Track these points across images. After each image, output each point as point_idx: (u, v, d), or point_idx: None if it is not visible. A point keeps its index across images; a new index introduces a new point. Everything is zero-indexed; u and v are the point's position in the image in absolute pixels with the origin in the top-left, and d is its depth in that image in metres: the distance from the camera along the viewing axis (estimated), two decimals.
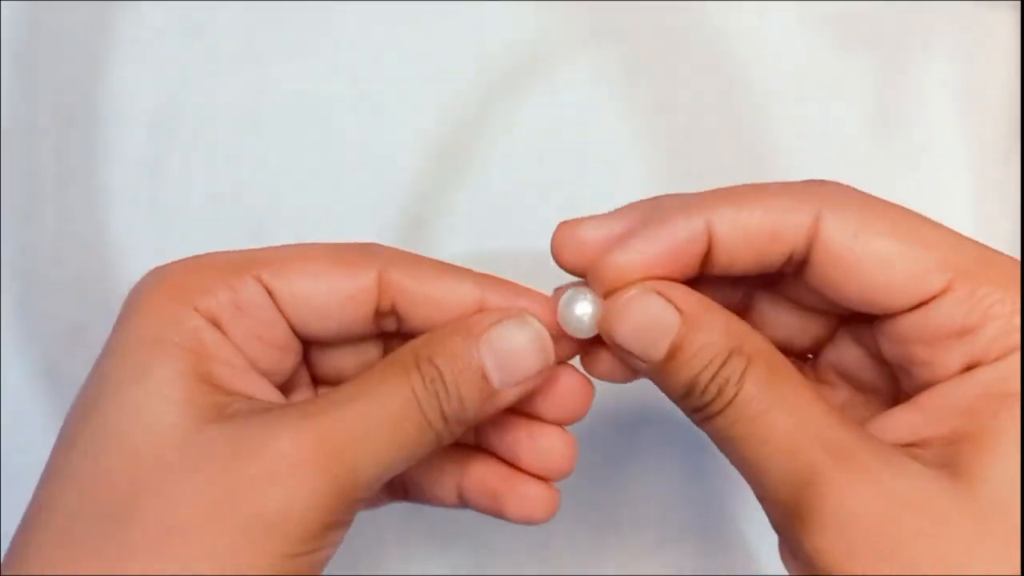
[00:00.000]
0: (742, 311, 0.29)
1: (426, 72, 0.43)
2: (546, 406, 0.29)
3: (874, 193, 0.43)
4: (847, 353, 0.28)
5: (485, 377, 0.26)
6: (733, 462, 0.25)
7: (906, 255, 0.24)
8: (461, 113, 0.43)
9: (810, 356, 0.30)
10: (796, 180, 0.27)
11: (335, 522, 0.25)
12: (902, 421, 0.25)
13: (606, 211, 0.28)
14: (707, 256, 0.26)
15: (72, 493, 0.24)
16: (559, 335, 0.28)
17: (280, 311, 0.27)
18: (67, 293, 0.42)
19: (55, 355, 0.42)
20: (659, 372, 0.26)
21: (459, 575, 0.43)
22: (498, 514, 0.30)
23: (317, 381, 0.31)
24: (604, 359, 0.28)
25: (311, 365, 0.30)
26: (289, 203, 0.42)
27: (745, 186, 0.26)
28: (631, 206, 0.28)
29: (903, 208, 0.25)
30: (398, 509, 0.33)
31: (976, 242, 0.25)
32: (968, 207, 0.43)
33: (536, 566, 0.42)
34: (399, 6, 0.43)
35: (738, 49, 0.43)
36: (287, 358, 0.28)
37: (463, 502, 0.30)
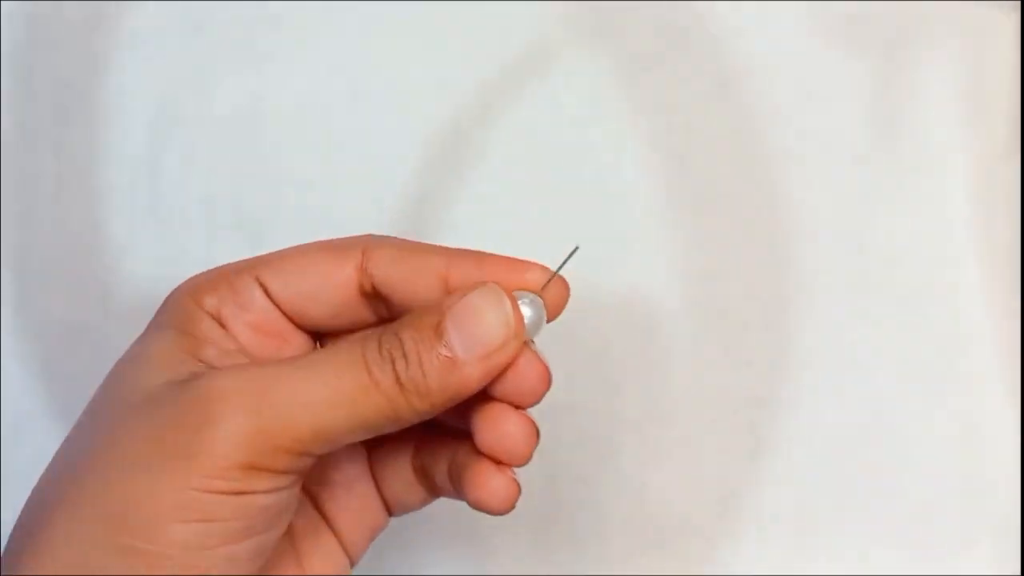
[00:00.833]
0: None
1: (425, 72, 0.43)
2: (505, 387, 0.29)
3: (874, 193, 0.43)
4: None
5: (447, 344, 0.26)
6: None
7: None
8: (460, 113, 0.43)
9: None
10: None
11: (257, 465, 0.25)
12: None
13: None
14: None
15: (67, 439, 0.28)
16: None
17: (274, 303, 0.29)
18: (67, 293, 0.42)
19: (54, 355, 0.42)
20: None
21: (459, 575, 0.43)
22: (465, 499, 0.30)
23: None
24: None
25: None
26: (288, 203, 0.42)
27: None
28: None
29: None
30: None
31: None
32: (968, 207, 0.43)
33: (536, 566, 0.42)
34: (399, 6, 0.43)
35: (738, 49, 0.43)
36: (288, 349, 0.30)
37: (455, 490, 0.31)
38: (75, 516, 0.25)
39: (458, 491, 0.30)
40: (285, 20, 0.43)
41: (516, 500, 0.29)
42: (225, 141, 0.42)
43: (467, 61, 0.43)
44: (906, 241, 0.43)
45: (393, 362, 0.26)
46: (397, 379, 0.26)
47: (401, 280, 0.29)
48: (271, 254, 0.30)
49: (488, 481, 0.29)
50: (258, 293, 0.29)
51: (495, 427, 0.29)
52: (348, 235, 0.30)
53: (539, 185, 0.43)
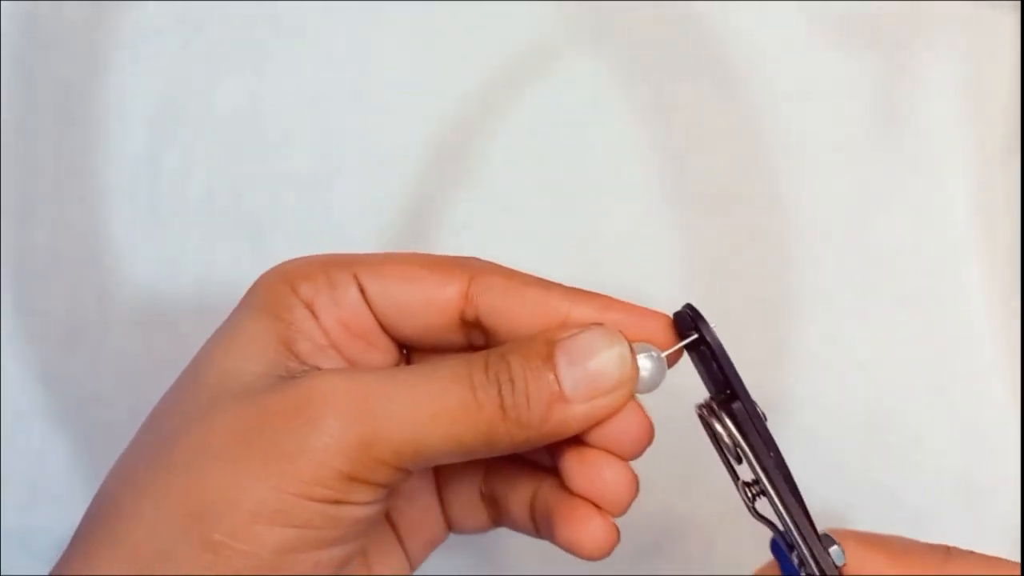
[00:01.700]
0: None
1: (426, 72, 0.43)
2: (607, 435, 0.28)
3: (875, 193, 0.43)
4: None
5: (556, 378, 0.26)
6: None
7: None
8: (461, 113, 0.43)
9: None
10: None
11: (357, 477, 0.25)
12: None
13: None
14: None
15: (151, 419, 0.27)
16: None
17: (369, 306, 0.28)
18: (67, 293, 0.42)
19: (54, 355, 0.42)
20: None
21: (459, 575, 0.43)
22: (551, 536, 0.29)
23: None
24: None
25: None
26: (288, 202, 0.42)
27: None
28: None
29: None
30: None
31: None
32: (968, 207, 0.43)
33: (536, 566, 0.42)
34: (399, 6, 0.43)
35: (739, 49, 0.43)
36: (375, 353, 0.29)
37: (535, 527, 0.30)
38: (162, 505, 0.24)
39: (544, 528, 0.29)
40: (285, 20, 0.43)
41: (614, 547, 0.28)
42: (225, 141, 0.42)
43: (467, 61, 0.43)
44: (906, 241, 0.43)
45: (499, 386, 0.25)
46: (501, 403, 0.25)
47: (510, 314, 0.28)
48: (371, 255, 0.29)
49: (586, 524, 0.28)
50: (354, 291, 0.28)
51: (593, 472, 0.28)
52: (453, 254, 0.29)
53: (539, 185, 0.43)
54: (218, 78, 0.43)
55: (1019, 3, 0.43)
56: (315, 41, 0.43)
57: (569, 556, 0.42)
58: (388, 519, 0.31)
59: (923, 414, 0.43)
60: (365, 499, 0.25)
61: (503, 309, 0.28)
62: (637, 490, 0.28)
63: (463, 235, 0.42)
